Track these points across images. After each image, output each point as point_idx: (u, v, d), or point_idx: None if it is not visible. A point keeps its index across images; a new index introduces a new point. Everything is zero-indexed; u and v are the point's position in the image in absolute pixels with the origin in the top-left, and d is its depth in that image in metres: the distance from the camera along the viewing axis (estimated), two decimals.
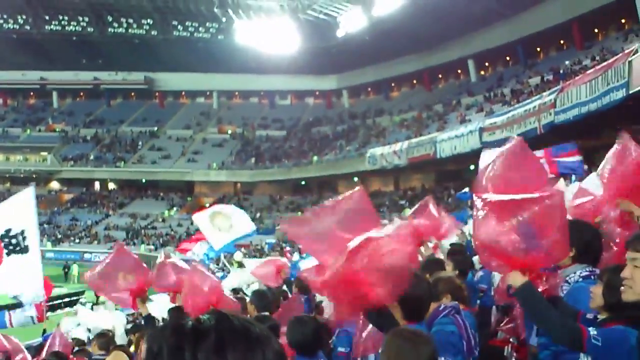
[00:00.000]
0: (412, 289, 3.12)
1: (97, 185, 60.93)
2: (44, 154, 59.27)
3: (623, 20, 36.54)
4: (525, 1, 39.88)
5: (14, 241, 5.78)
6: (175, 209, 55.43)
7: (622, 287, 2.31)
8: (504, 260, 2.88)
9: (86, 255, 45.72)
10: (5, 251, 5.76)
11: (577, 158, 9.46)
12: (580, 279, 3.18)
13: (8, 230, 5.83)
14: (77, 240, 50.35)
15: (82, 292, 25.61)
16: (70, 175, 58.67)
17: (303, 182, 53.63)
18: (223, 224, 13.45)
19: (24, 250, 5.83)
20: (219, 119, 64.95)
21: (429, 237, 6.28)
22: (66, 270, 37.38)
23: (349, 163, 47.53)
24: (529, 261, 2.83)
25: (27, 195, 6.19)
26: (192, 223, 51.53)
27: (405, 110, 52.44)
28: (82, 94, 69.38)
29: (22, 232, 5.86)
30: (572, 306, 2.94)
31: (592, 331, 2.59)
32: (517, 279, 2.80)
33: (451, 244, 7.20)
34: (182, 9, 60.30)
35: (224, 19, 60.18)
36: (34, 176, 58.80)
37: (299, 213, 49.40)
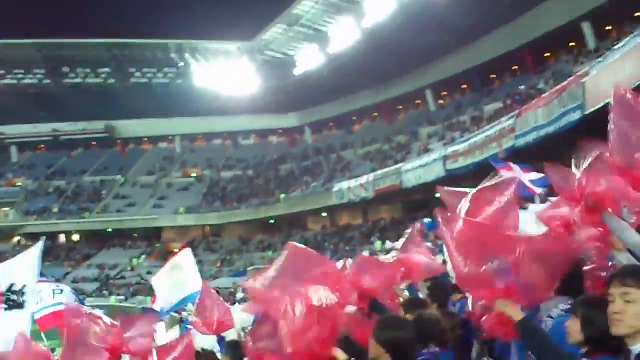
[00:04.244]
0: (398, 333, 3.10)
1: (62, 237, 59.73)
2: (6, 209, 58.06)
3: (572, 44, 37.70)
4: (477, 30, 40.89)
5: (13, 297, 5.59)
6: (143, 256, 54.62)
7: (612, 321, 2.37)
8: (488, 291, 2.94)
9: None
10: (4, 306, 5.54)
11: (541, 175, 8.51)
12: (563, 313, 3.19)
13: (11, 285, 5.62)
14: None
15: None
16: (34, 230, 57.26)
17: (272, 221, 53.44)
18: (177, 277, 12.57)
19: (21, 306, 5.62)
20: (183, 163, 64.63)
21: (416, 276, 6.02)
22: None
23: (316, 199, 47.63)
24: (508, 292, 2.89)
25: (35, 250, 5.99)
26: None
27: (369, 143, 52.93)
28: (41, 146, 68.40)
29: (23, 287, 5.68)
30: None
31: None
32: (516, 312, 2.85)
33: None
34: (138, 55, 60.31)
35: (181, 63, 60.34)
36: None
37: (270, 252, 49.19)
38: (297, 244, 3.66)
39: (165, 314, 13.76)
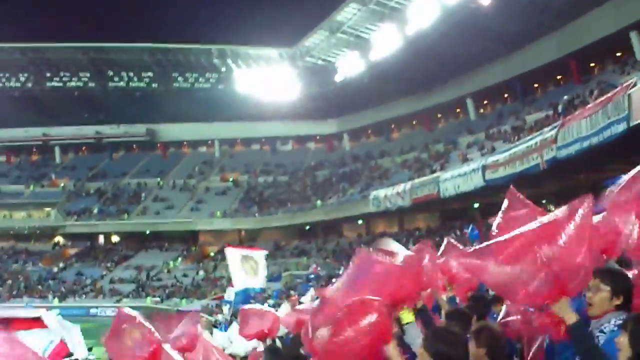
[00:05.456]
0: (451, 349, 3.15)
1: (101, 238, 60.76)
2: (48, 209, 59.27)
3: (619, 54, 36.78)
4: (521, 39, 40.25)
5: None
6: (179, 259, 55.15)
7: None
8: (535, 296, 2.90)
9: (92, 310, 45.35)
10: None
11: None
12: (616, 328, 3.08)
13: None
14: (82, 296, 49.93)
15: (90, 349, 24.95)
16: (74, 230, 58.51)
17: (307, 227, 53.44)
18: (251, 267, 13.45)
19: None
20: (222, 167, 65.13)
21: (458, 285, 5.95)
22: None
23: (352, 206, 47.44)
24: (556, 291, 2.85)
25: None
26: (197, 273, 51.29)
27: (407, 151, 52.56)
28: (84, 148, 69.82)
29: None
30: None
31: None
32: (570, 316, 2.86)
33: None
34: (182, 60, 61.17)
35: (223, 69, 60.95)
36: (38, 232, 58.85)
37: (305, 258, 49.16)
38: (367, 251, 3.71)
39: (236, 301, 14.44)
